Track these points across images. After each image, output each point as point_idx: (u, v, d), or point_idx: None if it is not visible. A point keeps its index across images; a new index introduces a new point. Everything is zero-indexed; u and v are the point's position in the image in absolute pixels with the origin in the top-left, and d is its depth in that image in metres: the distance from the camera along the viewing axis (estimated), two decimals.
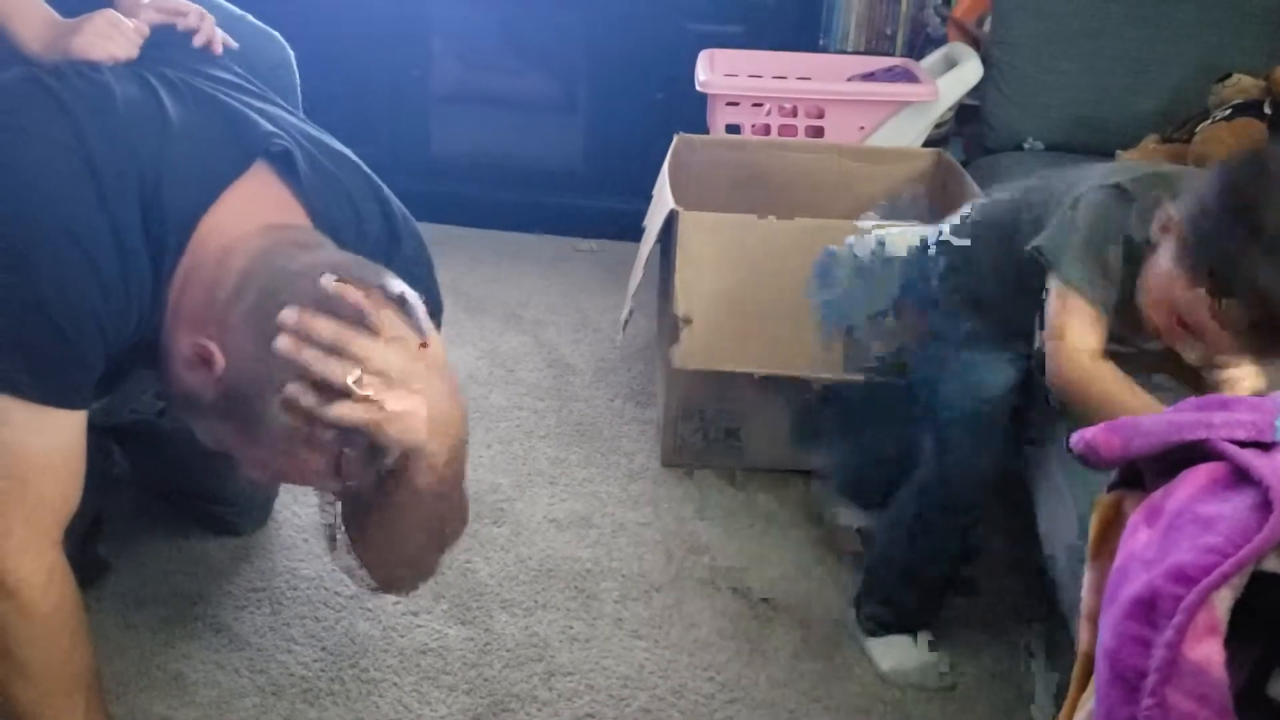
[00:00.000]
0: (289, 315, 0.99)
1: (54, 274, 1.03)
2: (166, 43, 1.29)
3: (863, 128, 2.32)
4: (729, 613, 1.66)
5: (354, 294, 1.00)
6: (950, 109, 2.43)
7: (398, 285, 1.06)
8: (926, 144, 2.37)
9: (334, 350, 0.98)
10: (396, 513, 1.07)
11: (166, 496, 1.75)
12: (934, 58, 2.54)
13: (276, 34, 1.66)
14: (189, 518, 1.74)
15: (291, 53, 1.66)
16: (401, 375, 1.00)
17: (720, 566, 1.76)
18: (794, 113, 2.32)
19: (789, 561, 1.78)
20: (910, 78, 2.37)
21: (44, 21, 1.24)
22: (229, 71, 1.31)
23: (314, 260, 1.06)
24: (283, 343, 0.99)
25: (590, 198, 2.86)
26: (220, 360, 1.03)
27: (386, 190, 1.29)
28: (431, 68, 2.87)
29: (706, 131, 2.34)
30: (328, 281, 1.00)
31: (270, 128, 1.18)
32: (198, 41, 1.33)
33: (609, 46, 2.76)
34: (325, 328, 0.99)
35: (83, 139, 1.07)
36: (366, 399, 0.98)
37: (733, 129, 2.34)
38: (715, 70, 2.38)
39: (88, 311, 1.04)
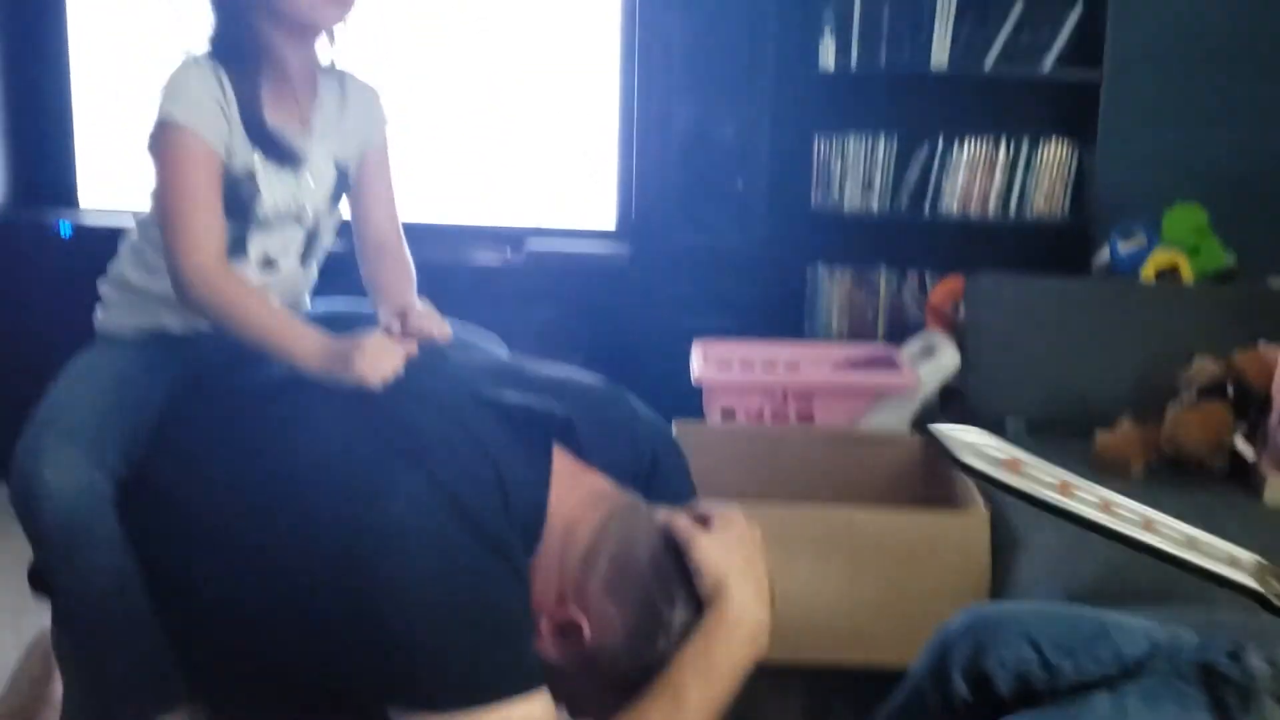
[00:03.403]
0: None
1: (484, 654, 1.11)
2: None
3: (850, 413, 2.45)
4: None
5: None
6: (933, 392, 2.57)
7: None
8: (915, 422, 2.49)
9: None
10: None
11: None
12: (913, 346, 2.70)
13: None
14: None
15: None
16: None
17: None
18: (785, 399, 2.45)
19: None
20: (892, 364, 2.52)
21: (318, 344, 1.33)
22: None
23: (647, 521, 1.19)
24: None
25: None
26: (589, 630, 1.14)
27: (627, 396, 1.41)
28: None
29: (703, 416, 2.46)
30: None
31: (541, 407, 1.26)
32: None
33: (608, 339, 2.92)
34: None
35: (459, 507, 1.13)
36: None
37: (728, 414, 2.46)
38: (709, 361, 2.52)
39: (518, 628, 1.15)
